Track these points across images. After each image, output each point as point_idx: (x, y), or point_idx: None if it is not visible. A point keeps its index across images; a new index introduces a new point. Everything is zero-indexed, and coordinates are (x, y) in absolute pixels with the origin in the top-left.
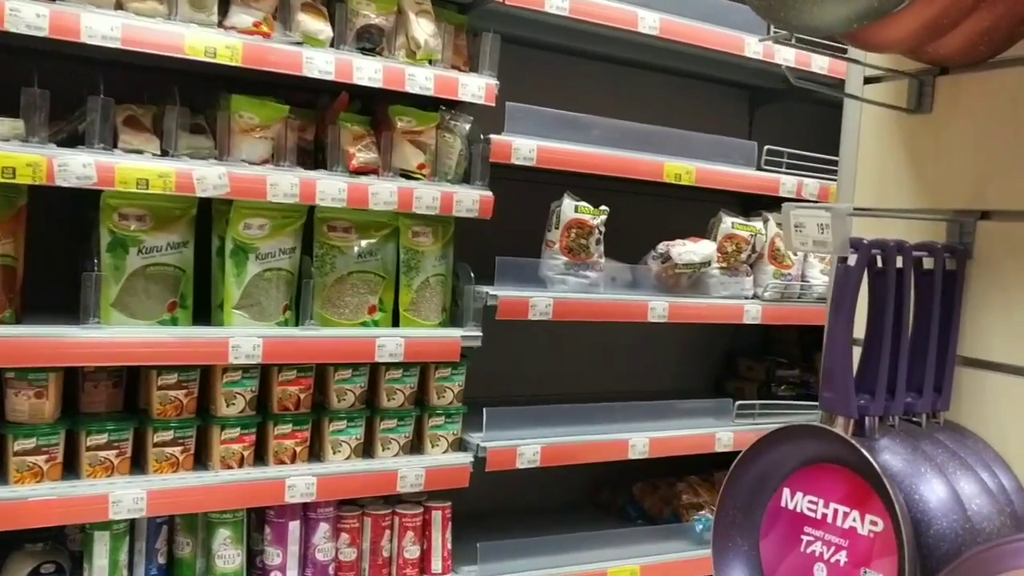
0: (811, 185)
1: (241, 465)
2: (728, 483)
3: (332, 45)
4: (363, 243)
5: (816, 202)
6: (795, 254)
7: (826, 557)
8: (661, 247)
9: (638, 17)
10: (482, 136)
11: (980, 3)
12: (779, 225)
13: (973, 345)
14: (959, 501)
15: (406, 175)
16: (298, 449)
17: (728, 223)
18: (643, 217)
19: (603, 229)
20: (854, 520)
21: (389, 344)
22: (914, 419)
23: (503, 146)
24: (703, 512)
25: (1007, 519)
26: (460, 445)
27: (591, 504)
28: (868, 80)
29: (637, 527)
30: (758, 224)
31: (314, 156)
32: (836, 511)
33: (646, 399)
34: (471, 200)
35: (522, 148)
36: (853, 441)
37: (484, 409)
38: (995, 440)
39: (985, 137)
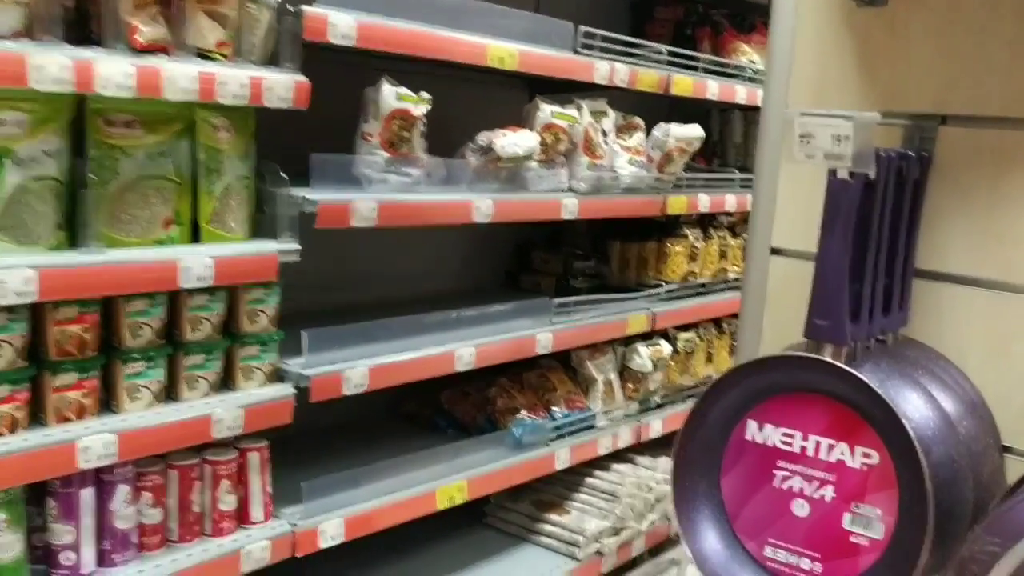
0: (622, 71)
1: (13, 430)
2: (690, 420)
3: None
4: (152, 141)
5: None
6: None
7: (807, 493)
8: (482, 138)
9: None
10: (291, 8)
11: None
12: (594, 114)
13: (929, 257)
14: (951, 424)
15: (203, 55)
16: (86, 401)
17: (547, 111)
18: (454, 103)
19: (425, 120)
20: (842, 453)
21: (195, 265)
22: (880, 338)
23: (317, 21)
24: (520, 415)
25: (991, 439)
26: (278, 375)
27: (396, 416)
28: None
29: (463, 440)
30: (574, 112)
31: (79, 29)
32: (819, 444)
33: (439, 299)
34: (284, 87)
35: (340, 24)
36: (852, 371)
37: (303, 332)
38: (954, 355)
39: (947, 35)
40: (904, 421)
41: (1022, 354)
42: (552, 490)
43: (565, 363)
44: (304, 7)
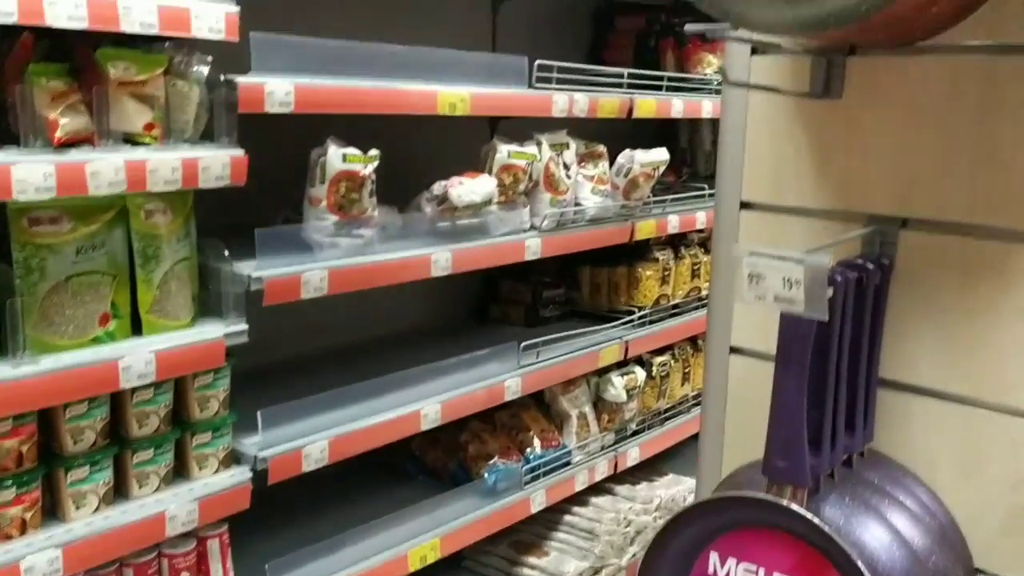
0: (581, 101)
1: None
2: (648, 557)
3: None
4: (81, 234)
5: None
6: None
7: None
8: (437, 188)
9: None
10: (224, 79)
11: None
12: (555, 147)
13: (896, 367)
14: (919, 561)
15: (131, 140)
16: (28, 516)
17: (504, 152)
18: (408, 148)
19: (375, 178)
20: None
21: (136, 363)
22: (845, 459)
23: (253, 91)
24: (493, 461)
25: (960, 570)
26: (234, 458)
27: (366, 463)
28: (756, 51)
29: (434, 496)
30: (532, 149)
31: None
32: None
33: (404, 341)
34: (220, 164)
35: (277, 91)
36: (814, 519)
37: (258, 413)
38: (924, 472)
39: (907, 133)
40: (864, 571)
41: (996, 475)
42: (531, 530)
43: (538, 398)
44: (238, 78)
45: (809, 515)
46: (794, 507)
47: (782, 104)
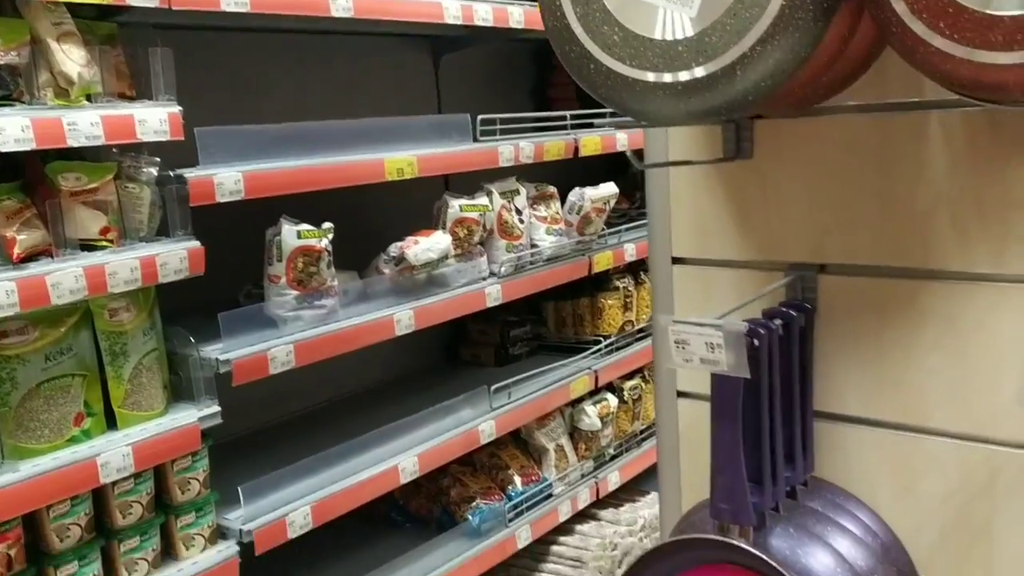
0: (527, 148)
1: None
2: None
3: None
4: (48, 341)
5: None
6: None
7: None
8: (393, 249)
9: (330, 1)
10: (173, 174)
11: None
12: (506, 195)
13: (829, 400)
14: None
15: (89, 246)
16: None
17: (455, 207)
18: (363, 212)
19: (331, 249)
20: None
21: (113, 458)
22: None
23: (204, 184)
24: (475, 503)
25: None
26: (220, 534)
27: (351, 515)
28: None
29: (419, 546)
30: (484, 200)
31: None
32: None
33: (376, 394)
34: (178, 259)
35: (226, 181)
36: (759, 553)
37: (239, 488)
38: (865, 495)
39: (816, 186)
40: None
41: (928, 492)
42: (520, 564)
43: (515, 435)
44: (187, 172)
45: (755, 551)
46: (742, 544)
47: (701, 167)
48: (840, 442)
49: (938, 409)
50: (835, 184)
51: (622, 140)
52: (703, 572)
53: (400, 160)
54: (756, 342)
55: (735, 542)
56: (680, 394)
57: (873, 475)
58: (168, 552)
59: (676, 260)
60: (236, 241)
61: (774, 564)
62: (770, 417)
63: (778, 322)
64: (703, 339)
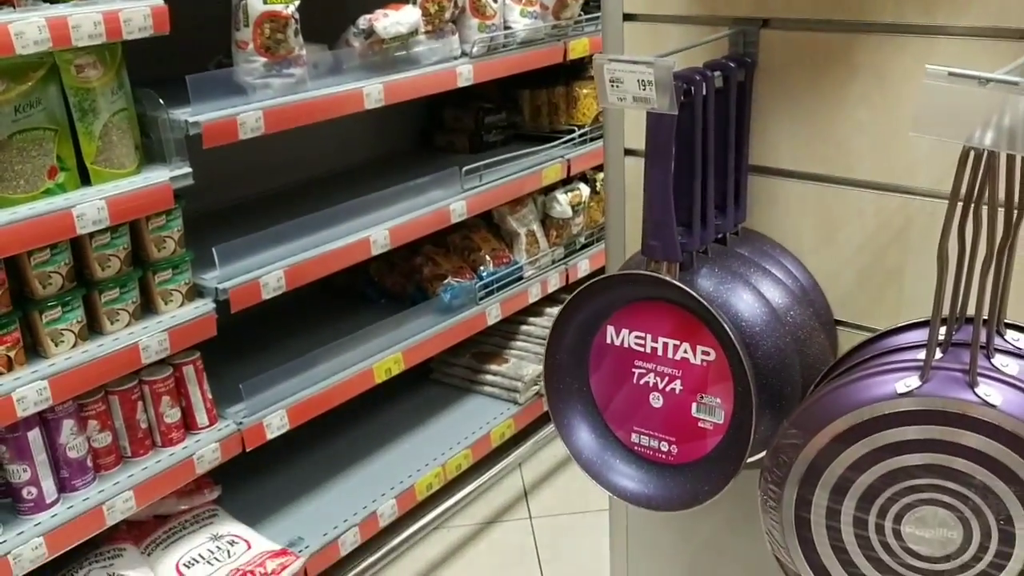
0: None
1: None
2: (553, 331)
3: None
4: (17, 93)
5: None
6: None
7: (661, 387)
8: (362, 22)
9: None
10: None
11: None
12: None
13: (763, 154)
14: (778, 318)
15: None
16: (12, 354)
17: None
18: None
19: (298, 16)
20: (685, 352)
21: (89, 211)
22: (720, 237)
23: None
24: (447, 280)
25: (816, 323)
26: (197, 292)
27: (328, 291)
28: None
29: (393, 316)
30: None
31: None
32: (666, 345)
33: (351, 174)
34: (142, 16)
35: None
36: (682, 285)
37: (213, 249)
38: (791, 244)
39: None
40: (726, 325)
41: (846, 240)
42: (491, 341)
43: (488, 219)
44: None
45: (679, 283)
46: (667, 278)
47: None
48: (773, 195)
49: (862, 161)
50: None
51: None
52: (638, 308)
53: None
54: (688, 86)
55: (663, 276)
56: (627, 152)
57: (799, 225)
58: (148, 307)
59: (627, 16)
60: (203, 10)
61: (698, 298)
62: (703, 165)
63: (717, 73)
64: (635, 76)
